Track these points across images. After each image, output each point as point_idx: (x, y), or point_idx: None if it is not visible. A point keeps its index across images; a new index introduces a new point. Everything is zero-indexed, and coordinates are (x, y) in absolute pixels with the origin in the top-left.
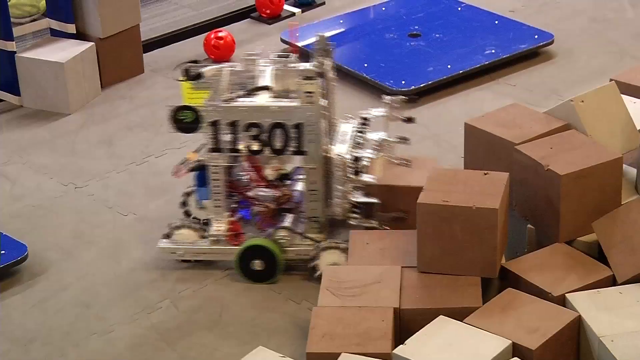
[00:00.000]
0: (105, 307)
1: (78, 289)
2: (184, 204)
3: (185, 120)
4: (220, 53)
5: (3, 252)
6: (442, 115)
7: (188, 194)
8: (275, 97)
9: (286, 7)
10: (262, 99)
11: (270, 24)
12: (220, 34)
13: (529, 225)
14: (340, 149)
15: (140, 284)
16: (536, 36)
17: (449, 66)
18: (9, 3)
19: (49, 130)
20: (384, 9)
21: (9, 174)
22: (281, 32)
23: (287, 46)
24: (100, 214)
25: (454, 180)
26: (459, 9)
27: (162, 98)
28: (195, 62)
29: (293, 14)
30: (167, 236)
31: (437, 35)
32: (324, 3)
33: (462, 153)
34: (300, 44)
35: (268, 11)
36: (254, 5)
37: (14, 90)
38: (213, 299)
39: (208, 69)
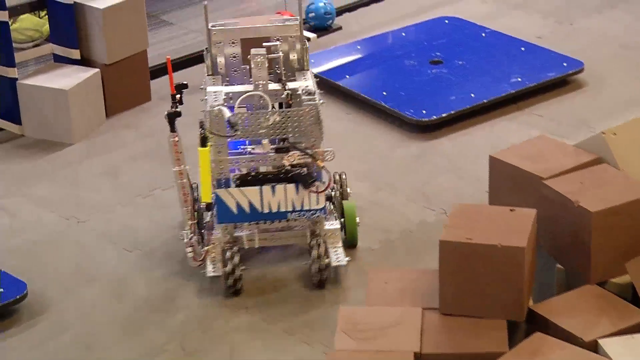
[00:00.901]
0: (107, 349)
1: (79, 330)
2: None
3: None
4: None
5: (2, 290)
6: (465, 147)
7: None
8: None
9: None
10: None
11: None
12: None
13: (557, 265)
14: None
15: (145, 324)
16: (565, 64)
17: (472, 95)
18: (11, 27)
19: (50, 161)
20: (403, 34)
21: (8, 207)
22: None
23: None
24: (104, 250)
25: (478, 217)
26: (483, 34)
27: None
28: (184, 85)
29: (308, 39)
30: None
31: (460, 62)
32: (340, 28)
33: (487, 187)
34: (316, 70)
35: None
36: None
37: (15, 118)
38: (223, 340)
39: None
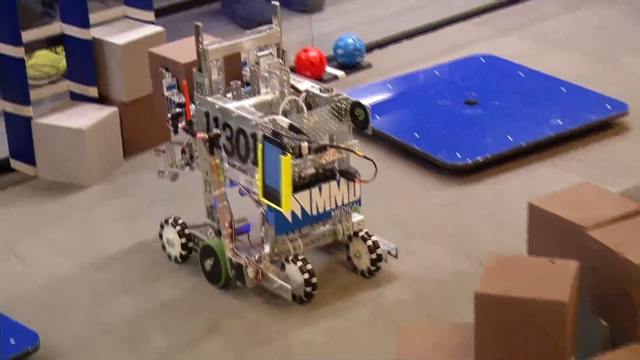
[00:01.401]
0: None
1: None
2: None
3: (359, 117)
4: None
5: (12, 341)
6: (502, 193)
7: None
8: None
9: (329, 69)
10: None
11: None
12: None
13: (602, 322)
14: None
15: None
16: (608, 106)
17: (509, 138)
18: (26, 64)
19: (65, 204)
20: (436, 72)
21: (21, 253)
22: None
23: None
24: (120, 299)
25: (517, 268)
26: (521, 74)
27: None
28: (162, 151)
29: (336, 77)
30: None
31: (496, 103)
32: (370, 66)
33: (525, 236)
34: None
35: (308, 73)
36: (292, 67)
37: (29, 159)
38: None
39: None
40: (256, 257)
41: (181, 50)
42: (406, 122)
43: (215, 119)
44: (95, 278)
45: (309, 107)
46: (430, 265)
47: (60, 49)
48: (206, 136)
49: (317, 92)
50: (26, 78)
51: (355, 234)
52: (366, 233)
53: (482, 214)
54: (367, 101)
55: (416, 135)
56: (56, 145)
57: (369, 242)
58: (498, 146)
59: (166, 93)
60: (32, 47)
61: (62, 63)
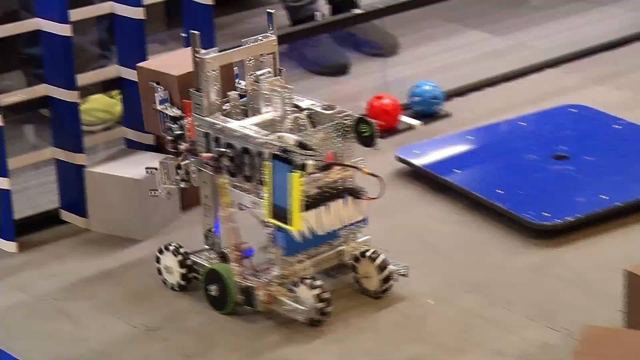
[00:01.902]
0: None
1: None
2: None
3: (364, 133)
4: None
5: None
6: (595, 258)
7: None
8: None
9: (404, 118)
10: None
11: (383, 138)
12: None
13: None
14: None
15: None
16: None
17: (603, 197)
18: (80, 108)
19: (118, 260)
20: (522, 124)
21: (71, 312)
22: (397, 148)
23: (403, 165)
24: None
25: (613, 342)
26: (617, 126)
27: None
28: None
29: (412, 127)
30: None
31: (589, 158)
32: (449, 115)
33: (622, 307)
34: (420, 162)
35: (382, 123)
36: (364, 114)
37: (81, 210)
38: None
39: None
40: (265, 280)
41: (172, 64)
42: (488, 177)
43: (216, 140)
44: (149, 340)
45: (312, 125)
46: (514, 336)
47: (115, 93)
48: (212, 155)
49: (319, 109)
50: (79, 124)
51: (362, 254)
52: (374, 252)
53: (572, 281)
54: (445, 154)
55: (499, 191)
56: (109, 196)
57: (378, 261)
58: (591, 206)
59: (159, 107)
60: (87, 91)
61: (117, 108)
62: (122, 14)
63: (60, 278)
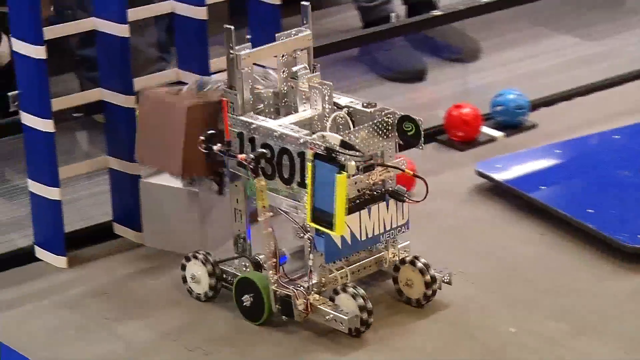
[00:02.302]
0: None
1: None
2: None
3: (408, 132)
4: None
5: None
6: None
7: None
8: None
9: (485, 129)
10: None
11: (462, 151)
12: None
13: None
14: None
15: None
16: None
17: None
18: (136, 114)
19: (175, 278)
20: (617, 137)
21: (124, 333)
22: (477, 162)
23: (483, 180)
24: None
25: None
26: None
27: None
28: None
29: (493, 139)
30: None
31: None
32: (535, 126)
33: None
34: (502, 178)
35: (460, 134)
36: (441, 125)
37: (135, 224)
38: None
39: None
40: (302, 288)
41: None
42: (577, 194)
43: (252, 140)
44: None
45: (352, 124)
46: None
47: None
48: (250, 157)
49: (360, 107)
50: (135, 130)
51: (403, 260)
52: (415, 257)
53: None
54: (530, 169)
55: (589, 211)
56: (166, 209)
57: (419, 265)
58: None
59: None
60: None
61: None
62: (183, 14)
63: (112, 296)
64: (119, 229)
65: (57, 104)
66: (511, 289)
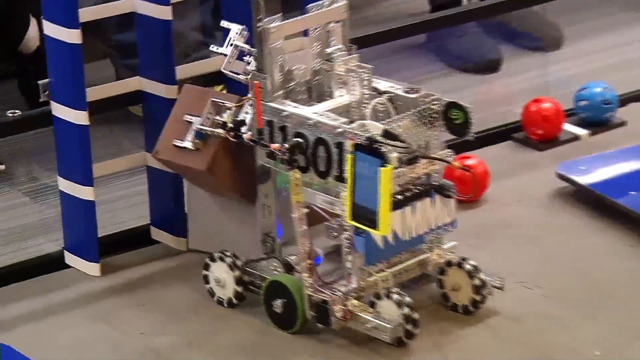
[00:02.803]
0: None
1: None
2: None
3: (456, 120)
4: (467, 188)
5: None
6: None
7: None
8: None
9: (567, 126)
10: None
11: (541, 150)
12: (469, 161)
13: None
14: None
15: None
16: None
17: None
18: None
19: None
20: None
21: (161, 350)
22: (558, 163)
23: (564, 184)
24: None
25: None
26: None
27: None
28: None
29: (577, 137)
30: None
31: None
32: (624, 123)
33: None
34: (586, 181)
35: (540, 131)
36: (518, 122)
37: (176, 228)
38: None
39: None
40: (340, 293)
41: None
42: None
43: (283, 129)
44: None
45: (393, 111)
46: None
47: (220, 87)
48: (284, 146)
49: (401, 92)
50: None
51: (449, 262)
52: (462, 258)
53: None
54: (618, 171)
55: None
56: (214, 212)
57: (467, 267)
58: None
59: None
60: None
61: None
62: None
63: (149, 308)
64: (157, 233)
65: (92, 93)
66: (595, 307)
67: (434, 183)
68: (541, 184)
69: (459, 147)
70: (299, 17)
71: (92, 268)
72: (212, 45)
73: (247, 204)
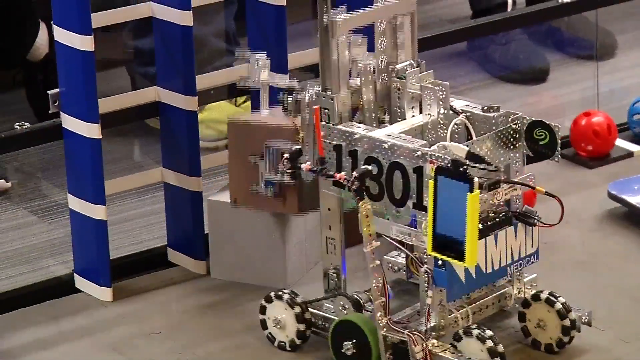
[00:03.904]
0: None
1: None
2: None
3: (542, 141)
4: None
5: None
6: None
7: None
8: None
9: (620, 142)
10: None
11: (591, 168)
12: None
13: None
14: None
15: None
16: None
17: None
18: (198, 118)
19: (240, 316)
20: None
21: None
22: (610, 182)
23: (616, 205)
24: None
25: None
26: None
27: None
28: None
29: (630, 154)
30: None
31: None
32: None
33: None
34: (636, 201)
35: (590, 147)
36: (566, 137)
37: (195, 250)
38: None
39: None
40: (418, 332)
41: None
42: None
43: (353, 153)
44: None
45: (471, 132)
46: None
47: (241, 100)
48: (354, 175)
49: (479, 111)
50: (197, 138)
51: (536, 296)
52: (550, 294)
53: None
54: None
55: None
56: (238, 233)
57: (558, 305)
58: None
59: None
60: (207, 98)
61: None
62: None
63: (166, 338)
64: (174, 256)
65: (106, 105)
66: None
67: (517, 210)
68: (591, 205)
69: None
70: (365, 9)
71: (104, 293)
72: (240, 79)
73: (276, 227)
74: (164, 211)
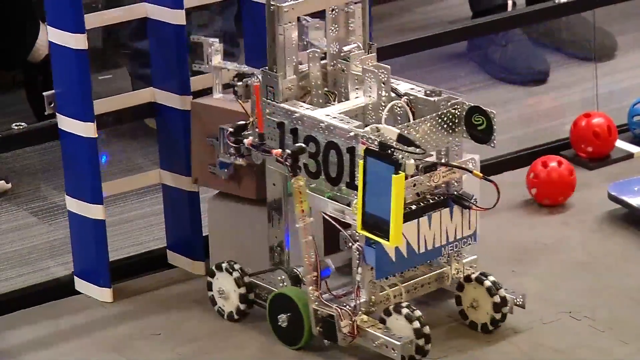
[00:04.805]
0: None
1: None
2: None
3: (479, 126)
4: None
5: None
6: None
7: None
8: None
9: (620, 143)
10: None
11: (591, 169)
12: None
13: None
14: None
15: None
16: None
17: None
18: None
19: (248, 320)
20: None
21: None
22: (610, 183)
23: (616, 206)
24: None
25: None
26: None
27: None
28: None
29: (630, 155)
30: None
31: None
32: None
33: None
34: (636, 202)
35: (590, 149)
36: (566, 139)
37: (194, 252)
38: None
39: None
40: (348, 307)
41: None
42: None
43: (294, 131)
44: None
45: (412, 115)
46: None
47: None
48: (287, 152)
49: (422, 95)
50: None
51: (468, 277)
52: (482, 274)
53: None
54: None
55: None
56: (239, 235)
57: (487, 283)
58: None
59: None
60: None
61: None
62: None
63: (166, 338)
64: (173, 257)
65: (103, 106)
66: None
67: (453, 193)
68: (592, 206)
69: (509, 163)
70: None
71: (104, 294)
72: (195, 63)
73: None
74: (162, 213)
